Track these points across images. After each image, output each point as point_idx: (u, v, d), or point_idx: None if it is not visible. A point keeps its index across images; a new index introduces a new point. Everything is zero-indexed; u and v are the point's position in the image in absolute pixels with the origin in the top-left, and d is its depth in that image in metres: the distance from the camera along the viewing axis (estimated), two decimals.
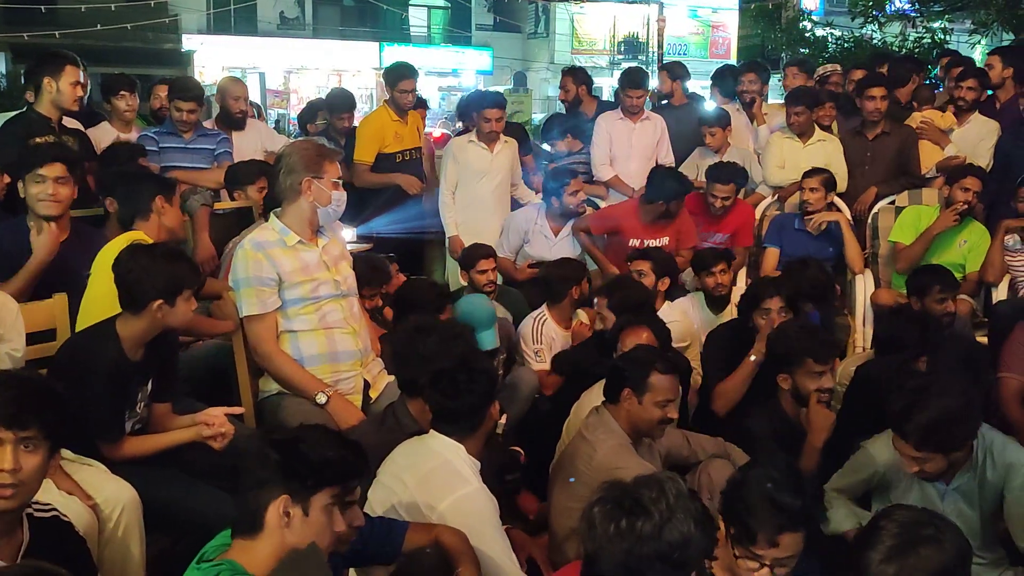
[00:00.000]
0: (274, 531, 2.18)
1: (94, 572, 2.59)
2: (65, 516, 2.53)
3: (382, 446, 3.15)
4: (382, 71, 6.99)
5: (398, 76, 6.50)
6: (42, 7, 18.61)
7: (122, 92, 5.76)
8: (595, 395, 3.85)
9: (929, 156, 6.43)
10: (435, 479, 2.98)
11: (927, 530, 2.21)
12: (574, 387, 4.16)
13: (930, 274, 4.89)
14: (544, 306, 5.06)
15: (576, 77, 7.68)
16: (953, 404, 2.97)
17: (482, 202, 6.19)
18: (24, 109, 5.13)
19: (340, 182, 3.88)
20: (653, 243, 5.71)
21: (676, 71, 7.57)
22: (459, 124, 6.83)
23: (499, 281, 5.56)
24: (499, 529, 2.97)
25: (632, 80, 6.83)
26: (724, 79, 7.63)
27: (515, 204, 6.44)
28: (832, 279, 5.18)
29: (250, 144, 6.22)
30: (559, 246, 5.95)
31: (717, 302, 5.25)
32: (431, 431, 3.08)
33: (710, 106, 7.35)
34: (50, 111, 4.87)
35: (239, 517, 2.22)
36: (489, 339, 4.40)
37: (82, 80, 4.90)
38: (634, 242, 5.72)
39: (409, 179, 6.37)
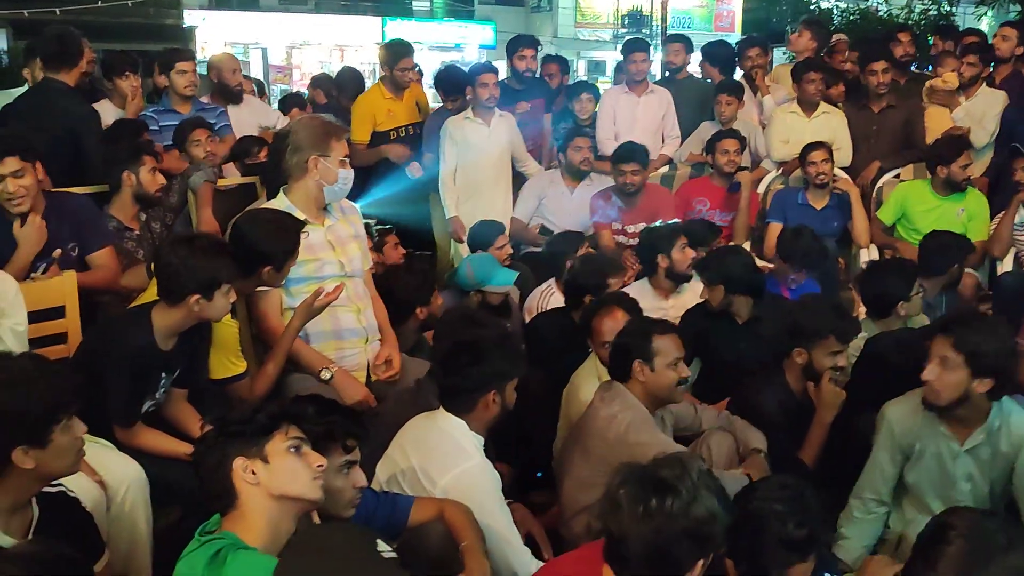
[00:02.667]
0: (250, 493, 2.25)
1: (102, 547, 2.62)
2: (72, 492, 2.57)
3: (406, 418, 3.26)
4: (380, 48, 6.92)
5: (398, 55, 6.47)
6: None
7: (127, 73, 5.72)
8: (584, 374, 3.86)
9: (938, 123, 6.39)
10: (438, 454, 3.02)
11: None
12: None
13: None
14: (552, 280, 5.04)
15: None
16: (1004, 334, 3.08)
17: (481, 177, 6.15)
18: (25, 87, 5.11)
19: (347, 160, 3.87)
20: (631, 228, 5.76)
21: (690, 44, 7.42)
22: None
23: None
24: (501, 503, 3.00)
25: (638, 44, 6.86)
26: (720, 55, 7.54)
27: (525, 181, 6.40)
28: (826, 248, 5.17)
29: (247, 119, 6.22)
30: (575, 201, 6.03)
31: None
32: (439, 408, 3.12)
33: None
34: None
35: (217, 500, 2.29)
36: (506, 277, 4.76)
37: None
38: (616, 225, 5.82)
39: (395, 148, 6.34)
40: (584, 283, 4.41)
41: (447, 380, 3.13)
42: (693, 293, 4.78)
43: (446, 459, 3.00)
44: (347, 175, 3.84)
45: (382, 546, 2.06)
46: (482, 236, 5.42)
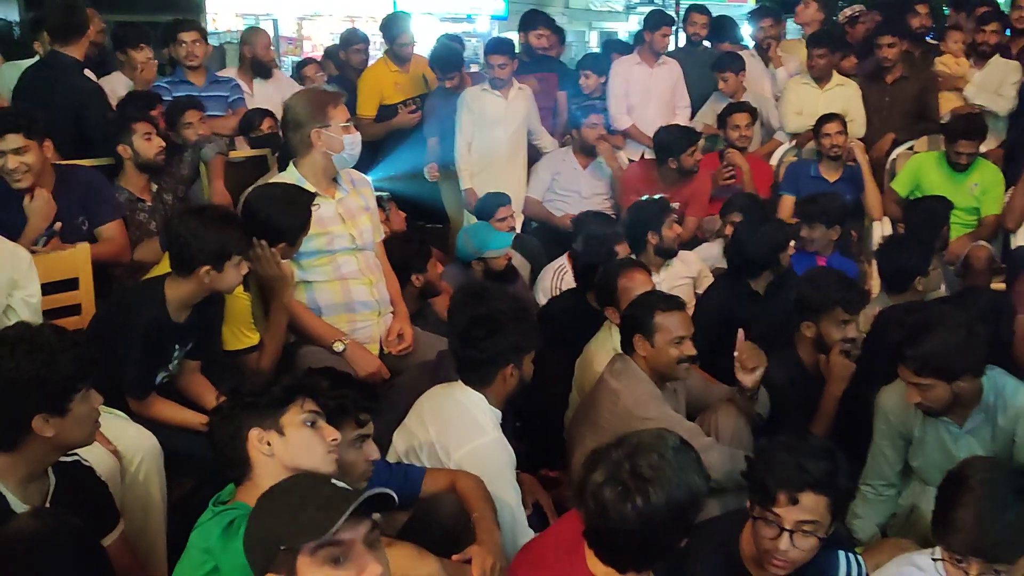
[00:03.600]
0: (264, 464, 2.28)
1: (117, 516, 2.64)
2: (86, 461, 2.59)
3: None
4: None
5: (396, 30, 6.52)
6: None
7: (141, 45, 5.70)
8: (597, 345, 3.86)
9: (948, 101, 6.35)
10: (454, 427, 3.03)
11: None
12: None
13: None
14: (565, 256, 5.02)
15: None
16: (953, 331, 2.98)
17: (498, 150, 6.12)
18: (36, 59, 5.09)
19: (350, 124, 3.83)
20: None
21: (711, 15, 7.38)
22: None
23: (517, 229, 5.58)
24: (512, 481, 3.01)
25: (665, 18, 6.82)
26: (727, 27, 7.49)
27: (540, 156, 6.36)
28: (847, 206, 5.15)
29: (268, 95, 6.21)
30: (587, 177, 6.05)
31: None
32: (458, 380, 3.13)
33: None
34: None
35: (231, 470, 2.32)
36: (501, 240, 4.76)
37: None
38: None
39: (405, 118, 6.36)
40: (592, 259, 4.38)
41: (464, 353, 3.11)
42: (684, 265, 4.91)
43: (462, 433, 3.01)
44: (353, 139, 3.80)
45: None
46: (485, 207, 5.42)
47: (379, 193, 5.18)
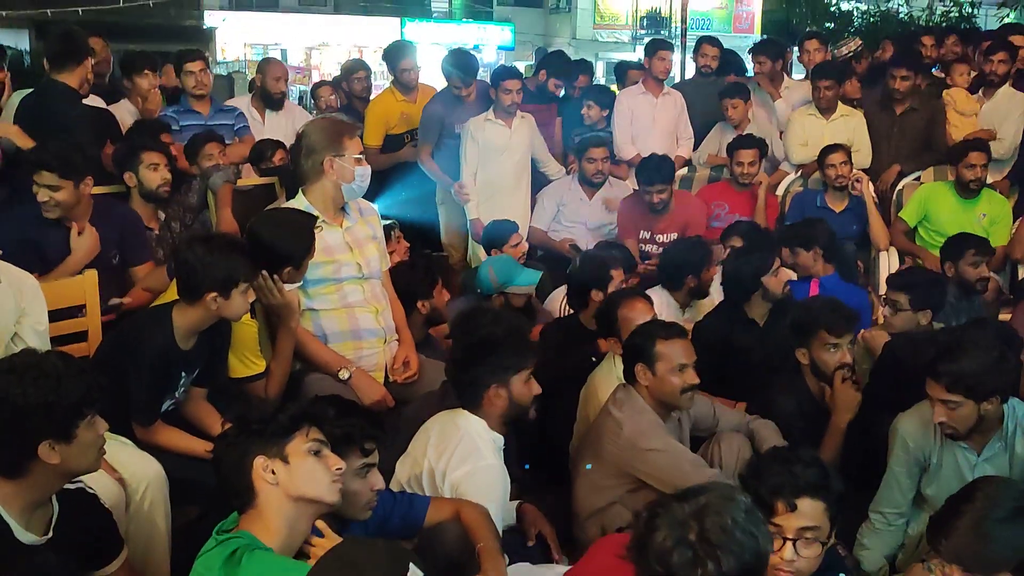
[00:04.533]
0: (268, 492, 2.28)
1: (120, 543, 2.64)
2: (90, 488, 2.59)
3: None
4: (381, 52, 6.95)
5: (396, 56, 6.55)
6: None
7: (145, 71, 5.74)
8: (602, 375, 3.85)
9: (958, 131, 6.36)
10: (452, 451, 3.04)
11: None
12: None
13: (963, 239, 4.91)
14: None
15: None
16: (987, 352, 3.02)
17: (503, 179, 6.12)
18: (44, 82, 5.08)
19: (362, 157, 3.87)
20: (660, 237, 5.76)
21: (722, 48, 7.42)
22: None
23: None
24: (500, 510, 3.01)
25: (664, 43, 6.92)
26: (733, 60, 7.58)
27: (547, 181, 6.37)
28: (828, 229, 5.11)
29: (281, 125, 6.24)
30: (593, 208, 6.05)
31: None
32: (460, 407, 3.16)
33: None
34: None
35: (235, 498, 2.32)
36: (530, 278, 4.79)
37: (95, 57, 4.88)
38: (644, 234, 5.83)
39: (409, 152, 6.39)
40: (586, 280, 4.38)
41: (453, 375, 3.20)
42: (709, 303, 4.83)
43: (459, 457, 3.02)
44: (363, 172, 3.84)
45: (415, 571, 1.99)
46: (496, 235, 5.41)
47: (386, 222, 5.20)
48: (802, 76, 7.43)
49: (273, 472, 2.28)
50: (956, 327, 4.00)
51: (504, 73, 6.27)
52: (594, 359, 4.06)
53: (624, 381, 3.50)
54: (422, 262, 4.71)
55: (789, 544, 2.33)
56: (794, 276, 4.67)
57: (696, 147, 6.84)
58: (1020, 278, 5.50)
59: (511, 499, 3.25)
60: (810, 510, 2.35)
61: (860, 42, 7.96)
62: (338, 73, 10.81)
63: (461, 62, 6.30)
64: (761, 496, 2.36)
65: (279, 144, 5.59)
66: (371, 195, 5.42)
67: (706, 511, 2.00)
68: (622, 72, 7.87)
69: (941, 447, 3.20)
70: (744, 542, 1.98)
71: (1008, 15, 12.50)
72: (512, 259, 5.05)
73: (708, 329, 4.37)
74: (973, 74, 6.72)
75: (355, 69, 7.54)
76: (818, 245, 4.93)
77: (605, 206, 6.09)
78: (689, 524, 1.98)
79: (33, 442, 2.27)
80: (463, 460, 3.00)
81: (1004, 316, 5.04)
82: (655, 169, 5.70)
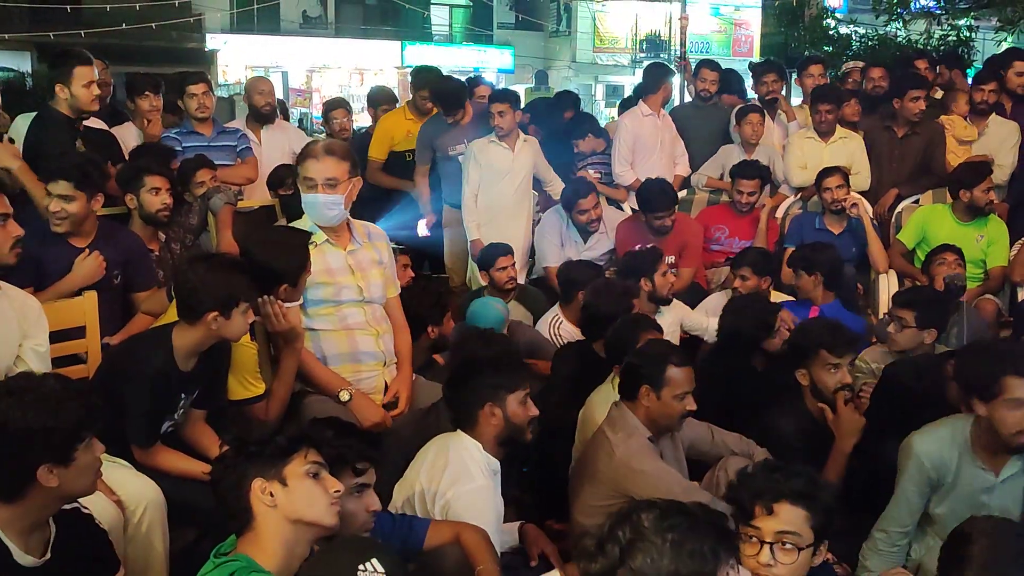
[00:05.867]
0: (266, 514, 2.27)
1: (117, 564, 2.62)
2: (86, 508, 2.58)
3: (416, 439, 3.32)
4: (408, 70, 7.08)
5: (417, 85, 6.72)
6: (67, 7, 18.72)
7: (146, 92, 5.77)
8: (600, 398, 3.85)
9: (955, 158, 6.38)
10: (445, 472, 3.06)
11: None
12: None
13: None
14: (557, 306, 5.03)
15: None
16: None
17: (504, 202, 6.12)
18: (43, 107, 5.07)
19: (331, 182, 3.69)
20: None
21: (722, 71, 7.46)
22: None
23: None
24: (496, 531, 3.02)
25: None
26: (733, 81, 7.62)
27: (553, 203, 6.33)
28: (833, 255, 5.15)
29: (277, 143, 6.26)
30: (590, 253, 5.90)
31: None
32: (456, 429, 3.19)
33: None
34: (69, 113, 4.75)
35: (233, 520, 2.31)
36: (488, 323, 4.59)
37: (97, 78, 4.83)
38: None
39: (411, 184, 6.49)
40: (607, 311, 4.27)
41: (447, 396, 3.25)
42: (673, 314, 4.94)
43: (448, 478, 3.04)
44: (314, 200, 3.70)
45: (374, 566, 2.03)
46: (485, 257, 5.42)
47: (395, 246, 5.21)
48: (800, 100, 7.47)
49: (271, 494, 2.27)
50: (935, 356, 3.96)
51: (493, 96, 6.29)
52: None
53: (618, 398, 3.50)
54: (434, 287, 4.73)
55: (766, 548, 2.31)
56: (788, 298, 4.68)
57: (695, 170, 6.85)
58: (1020, 300, 5.50)
59: (512, 520, 3.26)
60: (790, 515, 2.32)
61: (864, 65, 7.98)
62: (338, 94, 10.85)
63: (440, 93, 6.41)
64: (742, 502, 2.36)
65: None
66: (378, 215, 5.48)
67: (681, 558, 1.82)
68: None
69: (959, 466, 3.16)
70: (666, 550, 1.81)
71: (1006, 39, 12.52)
72: (489, 309, 4.81)
73: (710, 377, 4.35)
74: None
75: (333, 107, 7.38)
76: (820, 271, 4.95)
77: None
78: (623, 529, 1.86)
79: (32, 466, 2.26)
80: (453, 482, 3.02)
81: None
82: (659, 196, 5.70)
